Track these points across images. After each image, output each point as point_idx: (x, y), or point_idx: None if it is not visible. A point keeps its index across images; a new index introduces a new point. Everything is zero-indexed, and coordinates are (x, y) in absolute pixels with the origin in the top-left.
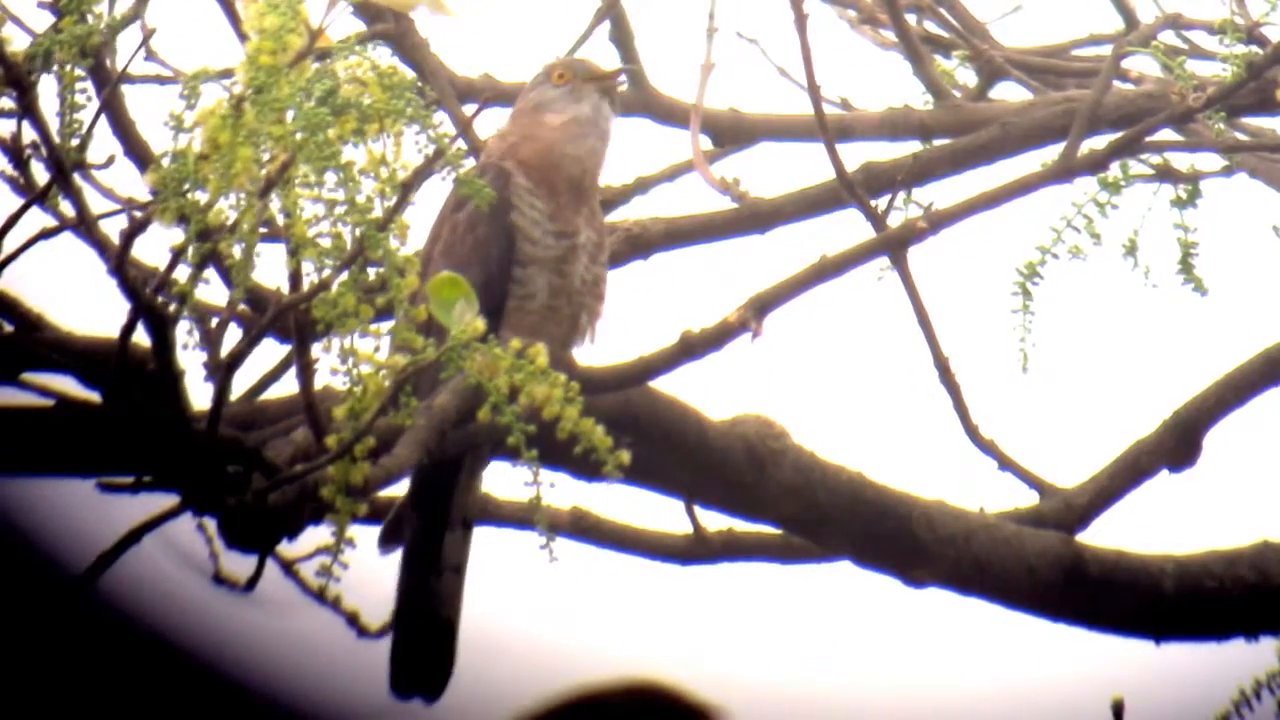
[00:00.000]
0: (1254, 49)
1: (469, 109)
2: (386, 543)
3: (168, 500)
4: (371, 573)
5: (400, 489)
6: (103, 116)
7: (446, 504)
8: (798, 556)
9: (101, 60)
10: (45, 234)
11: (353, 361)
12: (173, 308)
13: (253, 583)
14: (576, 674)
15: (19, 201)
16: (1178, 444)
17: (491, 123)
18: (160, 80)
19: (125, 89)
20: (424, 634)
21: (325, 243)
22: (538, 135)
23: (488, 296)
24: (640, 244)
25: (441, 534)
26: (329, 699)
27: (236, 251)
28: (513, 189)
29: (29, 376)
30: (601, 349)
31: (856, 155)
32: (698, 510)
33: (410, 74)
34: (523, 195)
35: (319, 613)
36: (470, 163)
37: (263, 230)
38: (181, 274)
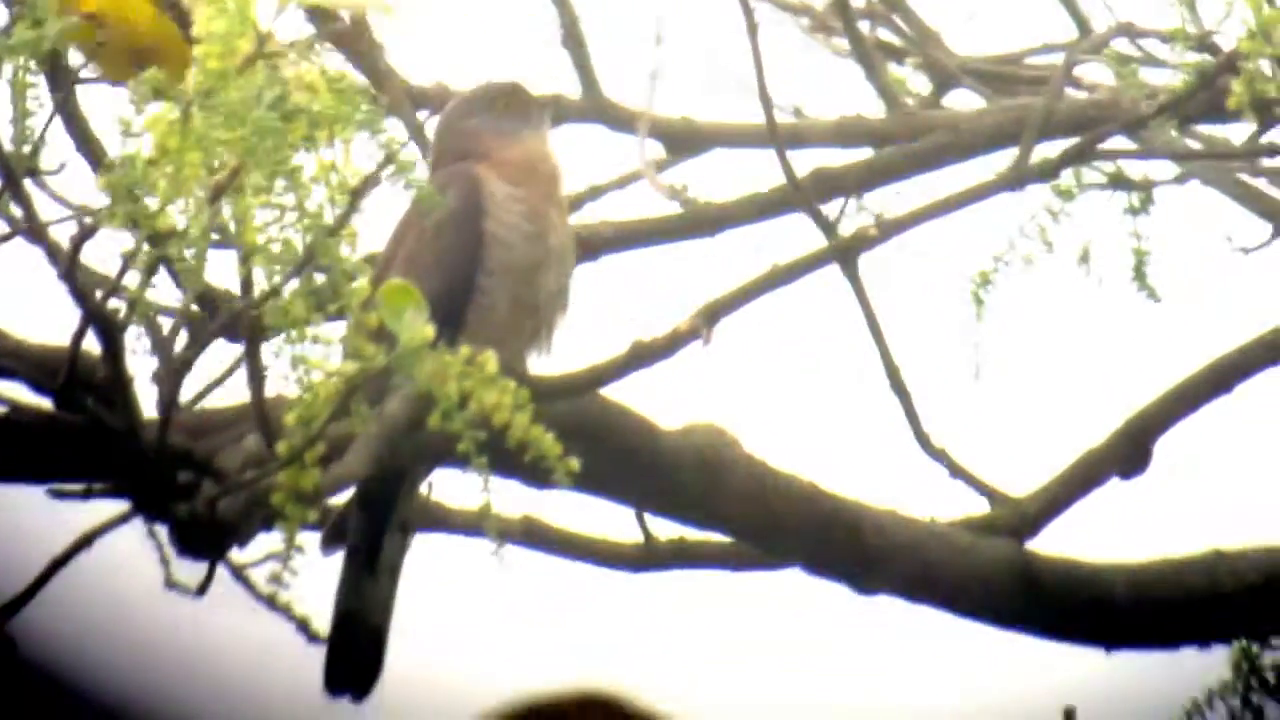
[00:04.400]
0: (1206, 57)
1: (422, 115)
2: (329, 544)
3: (119, 506)
4: (328, 578)
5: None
6: (56, 119)
7: (388, 508)
8: (749, 564)
9: (58, 61)
10: None
11: (303, 368)
12: (123, 314)
13: (203, 589)
14: (528, 682)
15: None
16: (1128, 451)
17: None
18: (114, 81)
19: (80, 89)
20: (355, 633)
21: (276, 249)
22: (507, 146)
23: (448, 305)
24: (589, 246)
25: (381, 537)
26: (277, 702)
27: (187, 257)
28: (486, 195)
29: None
30: (554, 356)
31: (809, 162)
32: (649, 518)
33: (361, 80)
34: (498, 200)
35: (271, 618)
36: (422, 170)
37: (213, 236)
38: (132, 280)
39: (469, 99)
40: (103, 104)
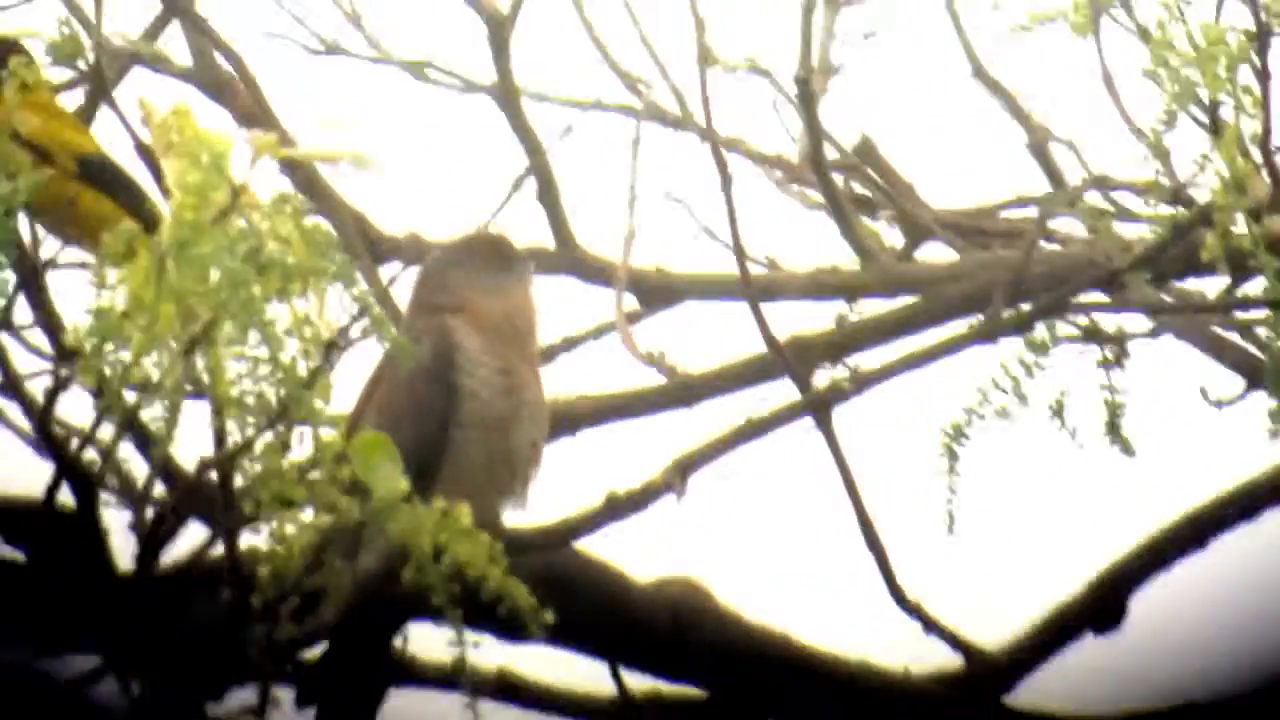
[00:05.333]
0: (1180, 210)
1: (395, 266)
2: (303, 701)
3: (92, 660)
4: None
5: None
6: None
7: (362, 661)
8: (722, 716)
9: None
10: None
11: (277, 521)
12: (98, 467)
13: None
14: None
15: None
16: (1103, 606)
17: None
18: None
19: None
20: None
21: (249, 401)
22: (485, 299)
23: (423, 457)
24: (567, 420)
25: (355, 690)
26: None
27: (160, 410)
28: (458, 349)
29: None
30: (529, 513)
31: (784, 312)
32: (624, 671)
33: (334, 232)
34: (469, 354)
35: None
36: (394, 324)
37: (187, 388)
38: (106, 432)
39: (450, 249)
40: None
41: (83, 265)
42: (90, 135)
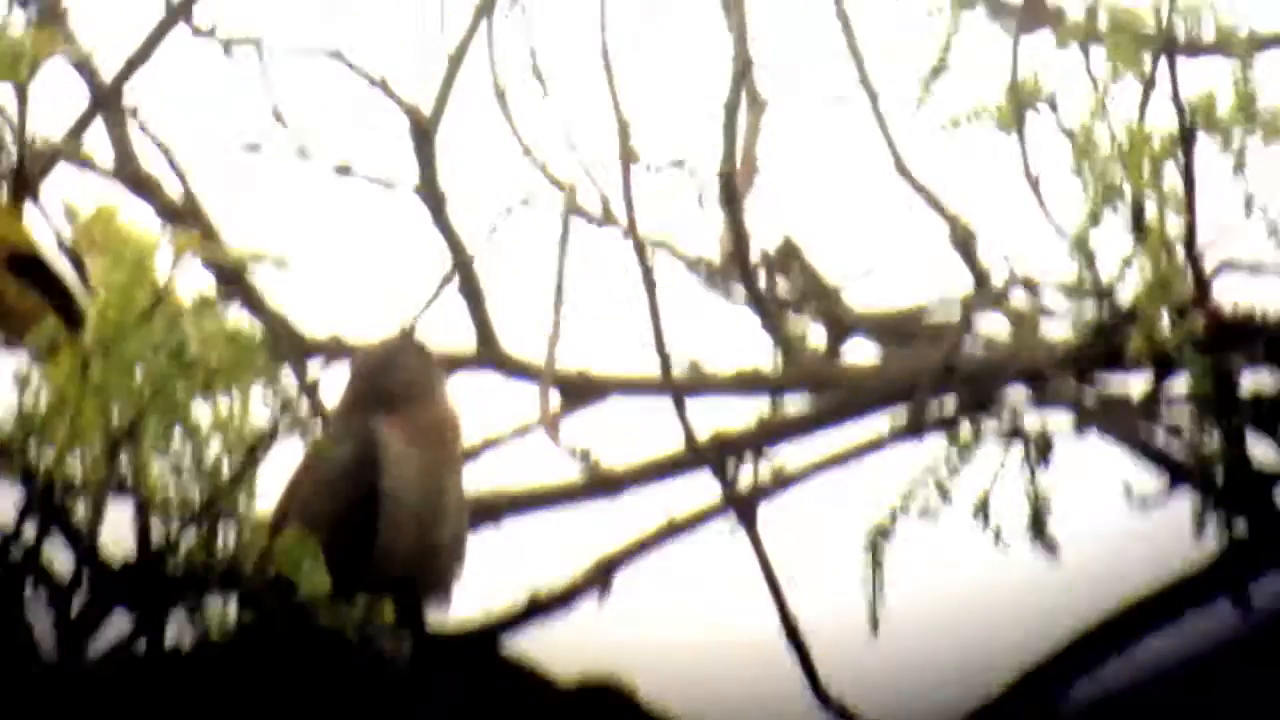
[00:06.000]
0: (1104, 308)
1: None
2: None
3: None
4: None
5: None
6: None
7: None
8: None
9: None
10: None
11: (200, 619)
12: (21, 564)
13: None
14: None
15: None
16: (1027, 703)
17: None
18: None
19: None
20: None
21: (173, 500)
22: (409, 404)
23: (346, 556)
24: (490, 511)
25: None
26: None
27: (83, 508)
28: (382, 451)
29: None
30: (452, 610)
31: (707, 408)
32: None
33: (259, 332)
34: (392, 455)
35: None
36: (317, 424)
37: (111, 487)
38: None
39: (376, 351)
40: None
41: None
42: (23, 229)
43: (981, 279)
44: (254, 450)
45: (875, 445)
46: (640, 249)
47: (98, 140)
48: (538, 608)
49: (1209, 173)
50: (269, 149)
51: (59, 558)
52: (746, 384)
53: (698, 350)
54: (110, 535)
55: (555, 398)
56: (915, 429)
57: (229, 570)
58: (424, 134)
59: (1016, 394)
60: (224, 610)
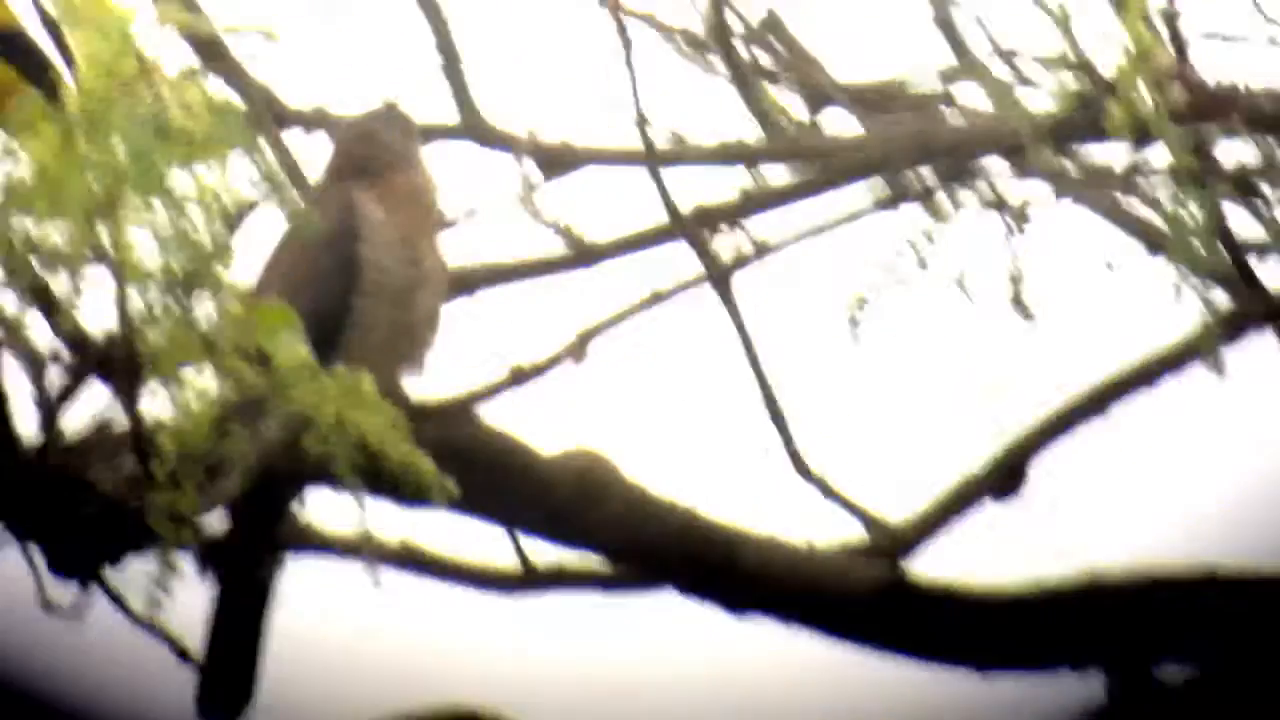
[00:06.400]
0: (1084, 81)
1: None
2: (205, 566)
3: None
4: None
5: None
6: None
7: (263, 529)
8: (624, 586)
9: None
10: None
11: (179, 391)
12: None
13: (79, 609)
14: (403, 700)
15: None
16: (1003, 473)
17: (321, 153)
18: None
19: None
20: (228, 655)
21: (154, 272)
22: (390, 172)
23: (325, 327)
24: (466, 283)
25: (255, 559)
26: None
27: (64, 280)
28: (360, 219)
29: None
30: (429, 380)
31: (687, 180)
32: (529, 543)
33: (241, 104)
34: (373, 224)
35: (146, 639)
36: (297, 194)
37: (91, 258)
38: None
39: (357, 122)
40: None
41: None
42: (5, 6)
43: (963, 53)
44: (235, 219)
45: (853, 216)
46: (618, 19)
47: None
48: (517, 377)
49: None
50: None
51: (37, 330)
52: (729, 155)
53: (679, 122)
54: (92, 309)
55: (535, 169)
56: (893, 198)
57: (207, 341)
58: None
59: (996, 165)
60: (202, 383)
